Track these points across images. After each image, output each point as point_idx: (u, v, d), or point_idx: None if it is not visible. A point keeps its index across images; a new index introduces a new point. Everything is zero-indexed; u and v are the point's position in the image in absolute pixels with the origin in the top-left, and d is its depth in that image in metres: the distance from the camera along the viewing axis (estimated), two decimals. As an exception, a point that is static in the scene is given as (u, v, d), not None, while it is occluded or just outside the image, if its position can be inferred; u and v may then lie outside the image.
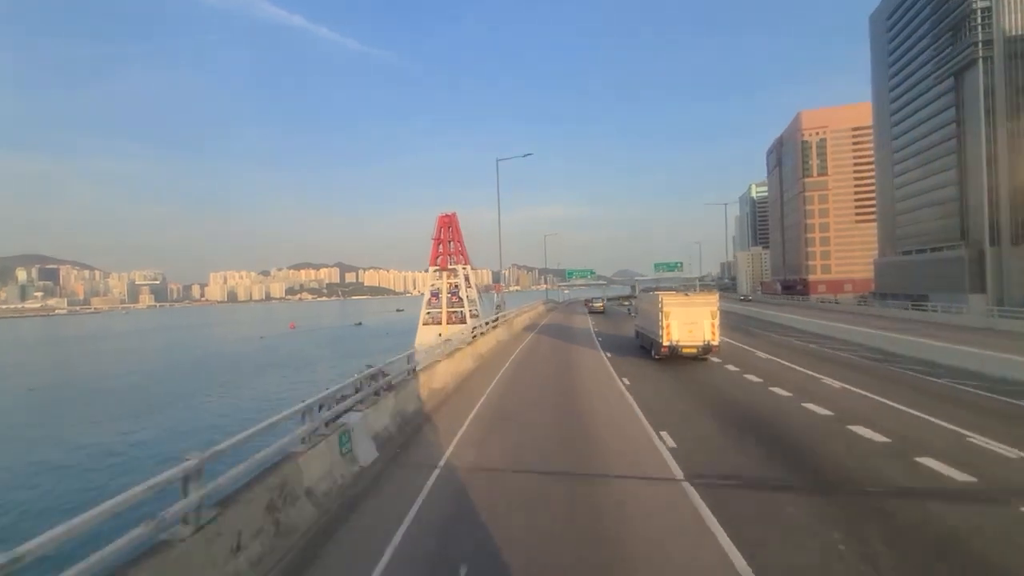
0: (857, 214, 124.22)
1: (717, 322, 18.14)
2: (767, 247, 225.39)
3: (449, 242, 67.70)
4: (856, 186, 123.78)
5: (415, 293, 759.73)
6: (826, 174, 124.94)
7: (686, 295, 19.59)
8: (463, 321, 60.99)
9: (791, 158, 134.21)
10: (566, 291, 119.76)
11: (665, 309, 18.13)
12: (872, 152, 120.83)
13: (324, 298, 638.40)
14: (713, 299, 18.75)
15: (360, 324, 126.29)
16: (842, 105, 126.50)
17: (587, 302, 59.92)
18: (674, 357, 18.39)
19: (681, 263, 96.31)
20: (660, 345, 18.18)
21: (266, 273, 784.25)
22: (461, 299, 64.76)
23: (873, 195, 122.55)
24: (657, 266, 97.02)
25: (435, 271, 66.69)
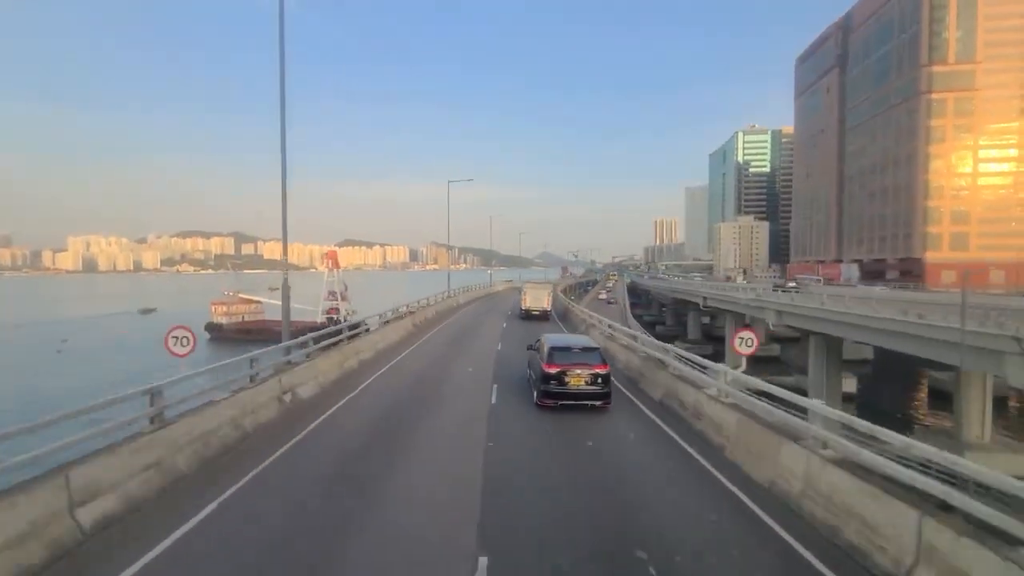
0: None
1: (551, 298, 34.97)
2: (763, 217, 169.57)
3: None
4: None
5: (320, 268, 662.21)
6: (972, 60, 65.15)
7: (536, 283, 39.37)
8: None
9: (887, 39, 73.65)
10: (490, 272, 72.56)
11: (524, 289, 34.89)
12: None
13: (210, 271, 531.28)
14: (550, 285, 39.08)
15: (153, 311, 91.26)
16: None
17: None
18: (535, 319, 33.16)
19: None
20: (521, 308, 34.00)
21: (142, 240, 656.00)
22: None
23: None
24: None
25: None
